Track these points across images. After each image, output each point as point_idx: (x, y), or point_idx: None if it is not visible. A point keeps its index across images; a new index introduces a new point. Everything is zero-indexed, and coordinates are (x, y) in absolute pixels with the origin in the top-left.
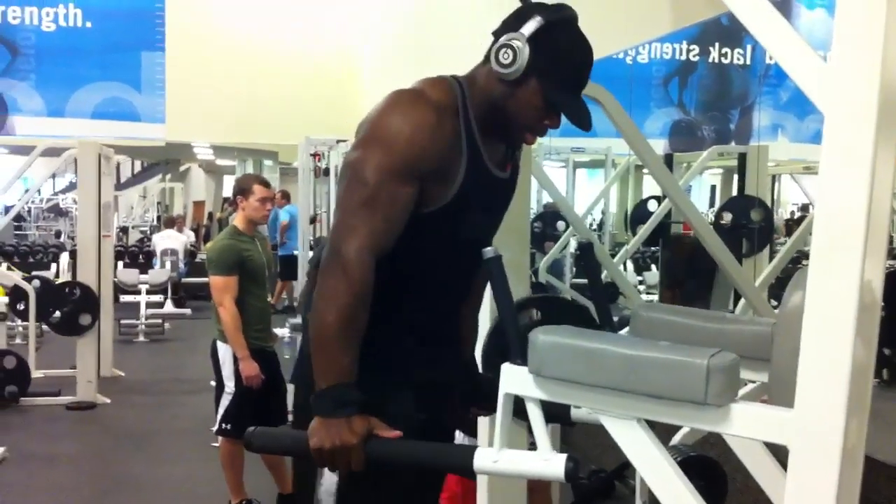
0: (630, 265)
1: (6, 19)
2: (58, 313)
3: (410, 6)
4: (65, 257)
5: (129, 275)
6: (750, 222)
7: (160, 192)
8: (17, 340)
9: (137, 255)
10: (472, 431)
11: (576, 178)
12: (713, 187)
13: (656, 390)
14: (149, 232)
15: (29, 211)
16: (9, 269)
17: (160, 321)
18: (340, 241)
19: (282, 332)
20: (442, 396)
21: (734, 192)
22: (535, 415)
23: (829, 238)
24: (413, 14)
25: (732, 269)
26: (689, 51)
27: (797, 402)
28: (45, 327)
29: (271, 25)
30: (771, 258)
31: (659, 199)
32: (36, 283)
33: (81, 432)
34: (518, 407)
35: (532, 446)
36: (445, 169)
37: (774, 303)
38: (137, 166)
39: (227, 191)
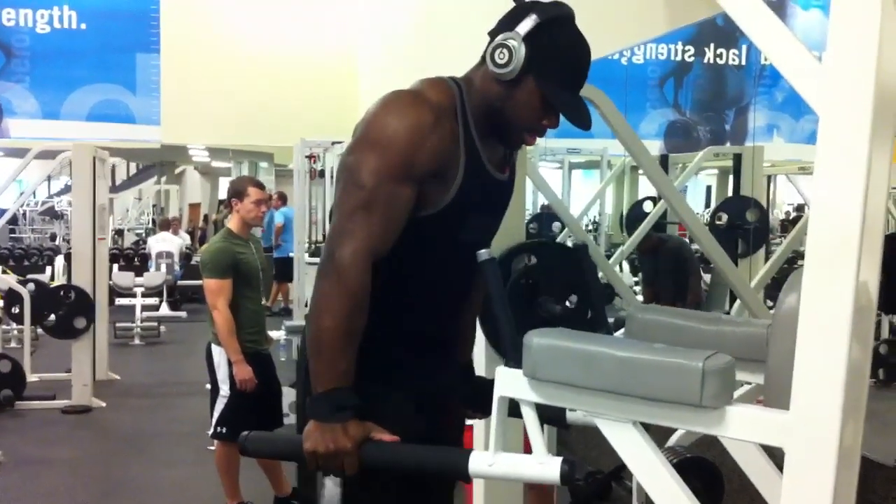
0: (626, 266)
1: (0, 21)
2: (53, 317)
3: (408, 7)
4: (60, 260)
5: (124, 278)
6: (745, 223)
7: (155, 195)
8: (13, 344)
9: (133, 258)
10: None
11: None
12: (709, 188)
13: (651, 393)
14: (144, 234)
15: (24, 214)
16: (3, 272)
17: (156, 324)
18: (336, 245)
19: (277, 334)
20: (443, 401)
21: (730, 193)
22: (530, 418)
23: (825, 239)
24: (411, 15)
25: (728, 269)
26: (684, 51)
27: (793, 404)
28: (40, 331)
29: (267, 27)
30: (767, 259)
31: (654, 200)
32: (31, 286)
33: (77, 436)
34: (514, 407)
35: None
36: (443, 170)
37: (770, 303)
38: (133, 168)
39: (223, 193)
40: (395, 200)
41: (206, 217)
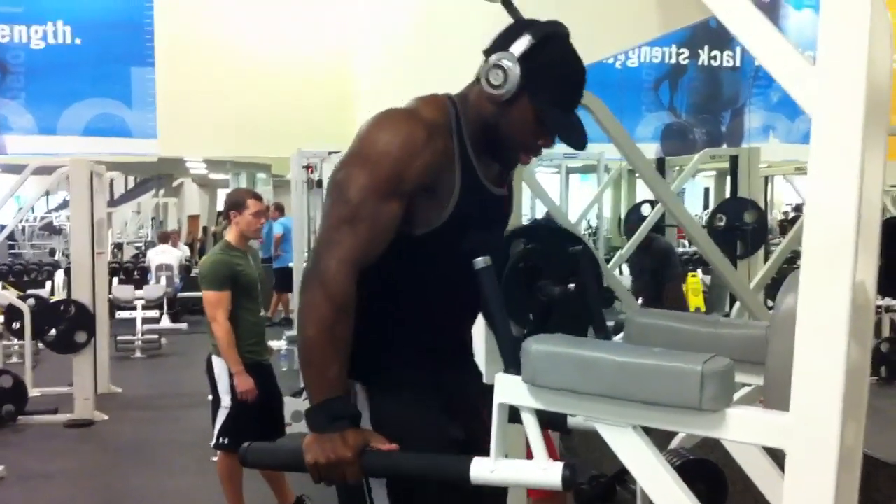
0: (626, 269)
1: None
2: (53, 331)
3: (406, 17)
4: (59, 275)
5: (124, 291)
6: (743, 224)
7: (154, 208)
8: (14, 359)
9: (132, 271)
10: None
11: (569, 183)
12: (706, 190)
13: (651, 397)
14: (143, 247)
15: (23, 229)
16: (3, 288)
17: (156, 336)
18: (319, 256)
19: (278, 344)
20: (468, 407)
21: (727, 195)
22: (531, 424)
23: (820, 238)
24: (408, 24)
25: (727, 271)
26: (678, 54)
27: (792, 406)
28: (41, 346)
29: (262, 38)
30: (766, 260)
31: (653, 204)
32: (31, 301)
33: (79, 449)
34: (515, 412)
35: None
36: (436, 186)
37: (770, 304)
38: (131, 182)
39: (222, 204)
40: (380, 215)
41: (205, 229)
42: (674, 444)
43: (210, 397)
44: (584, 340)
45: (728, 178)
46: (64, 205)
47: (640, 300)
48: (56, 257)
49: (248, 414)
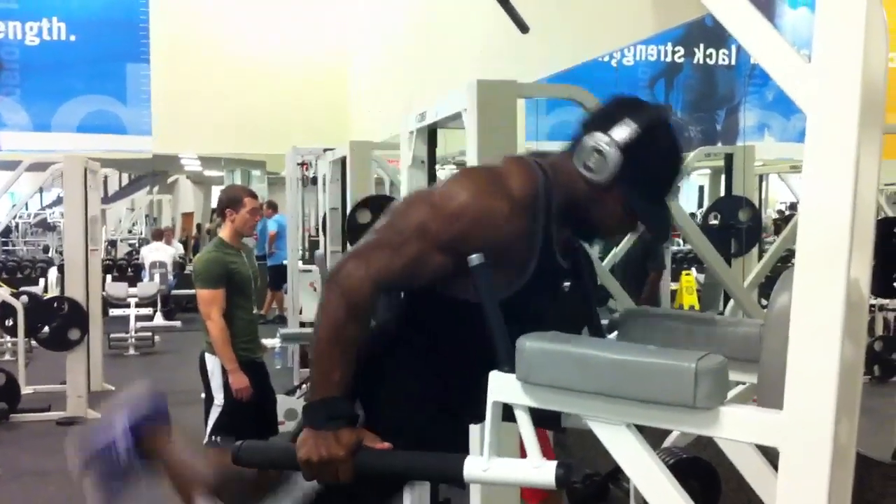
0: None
1: None
2: (46, 328)
3: (405, 18)
4: (53, 272)
5: (117, 288)
6: (738, 222)
7: (148, 205)
8: (6, 357)
9: (126, 269)
10: None
11: None
12: (701, 188)
13: (645, 395)
14: (137, 245)
15: (16, 226)
16: None
17: (150, 334)
18: (347, 263)
19: (272, 342)
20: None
21: (722, 193)
22: (525, 422)
23: (815, 237)
24: (408, 25)
25: (721, 269)
26: (674, 52)
27: (786, 404)
28: (33, 343)
29: (257, 36)
30: (760, 258)
31: None
32: (24, 298)
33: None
34: (509, 410)
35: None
36: (506, 263)
37: (764, 302)
38: (125, 179)
39: (216, 202)
40: (424, 260)
41: (199, 226)
42: (667, 442)
43: (203, 395)
44: (578, 338)
45: (723, 177)
46: (58, 201)
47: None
48: (50, 254)
49: (241, 412)
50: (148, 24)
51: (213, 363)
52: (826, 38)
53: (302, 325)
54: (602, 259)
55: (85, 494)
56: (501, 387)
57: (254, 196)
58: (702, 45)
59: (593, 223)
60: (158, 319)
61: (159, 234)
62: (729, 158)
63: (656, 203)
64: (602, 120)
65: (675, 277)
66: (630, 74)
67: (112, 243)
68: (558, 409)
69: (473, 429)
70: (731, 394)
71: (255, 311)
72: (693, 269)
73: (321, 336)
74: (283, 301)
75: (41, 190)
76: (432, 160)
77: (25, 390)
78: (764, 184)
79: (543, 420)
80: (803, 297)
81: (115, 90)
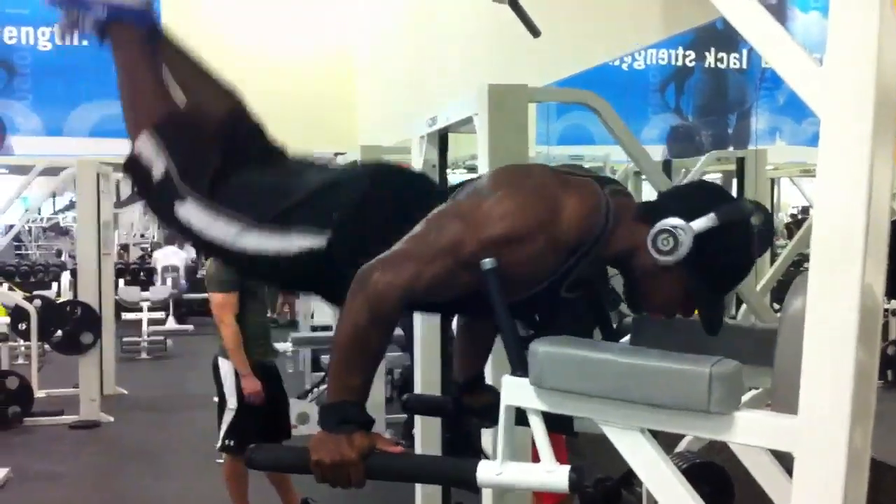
0: None
1: (2, 39)
2: (59, 332)
3: (409, 20)
4: (66, 276)
5: (130, 292)
6: None
7: None
8: (20, 361)
9: (138, 273)
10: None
11: None
12: None
13: (659, 399)
14: (149, 249)
15: (29, 230)
16: (10, 289)
17: (162, 338)
18: (374, 270)
19: (283, 346)
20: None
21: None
22: (538, 426)
23: (829, 242)
24: (411, 28)
25: None
26: (684, 56)
27: (800, 409)
28: (47, 347)
29: (269, 39)
30: (772, 262)
31: None
32: (37, 302)
33: (85, 451)
34: (521, 415)
35: None
36: (511, 282)
37: (776, 307)
38: None
39: None
40: (451, 277)
41: None
42: (681, 446)
43: (216, 399)
44: (591, 342)
45: (734, 181)
46: (70, 206)
47: None
48: (62, 258)
49: (253, 416)
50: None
51: (226, 367)
52: (839, 40)
53: (313, 329)
54: None
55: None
56: (514, 391)
57: None
58: (713, 49)
59: (643, 294)
60: (171, 323)
61: (172, 239)
62: (740, 162)
63: (718, 295)
64: (683, 203)
65: None
66: (640, 78)
67: (124, 247)
68: (571, 414)
69: (486, 433)
70: (744, 399)
71: (268, 314)
72: None
73: (341, 340)
74: (294, 305)
75: (54, 194)
76: (444, 164)
77: (38, 394)
78: (776, 188)
79: (556, 424)
80: (817, 302)
81: None
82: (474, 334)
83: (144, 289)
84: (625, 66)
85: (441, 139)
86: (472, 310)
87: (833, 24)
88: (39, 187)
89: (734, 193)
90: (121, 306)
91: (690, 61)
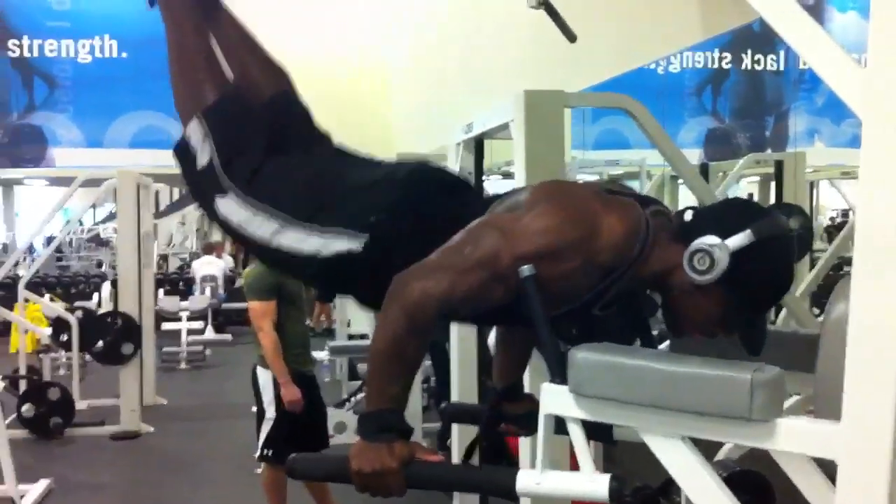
0: None
1: (43, 53)
2: (100, 343)
3: (444, 27)
4: (106, 287)
5: (169, 302)
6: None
7: (199, 219)
8: (61, 371)
9: (178, 283)
10: None
11: None
12: (750, 195)
13: (699, 407)
14: (188, 259)
15: (70, 242)
16: (51, 300)
17: (201, 348)
18: (411, 279)
19: (321, 355)
20: None
21: (772, 200)
22: (577, 434)
23: (872, 246)
24: (446, 35)
25: None
26: (721, 58)
27: (843, 415)
28: (88, 358)
29: (303, 48)
30: (812, 266)
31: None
32: (78, 313)
33: (126, 461)
34: (560, 423)
35: None
36: (550, 300)
37: (817, 311)
38: (176, 194)
39: None
40: (486, 289)
41: None
42: (720, 454)
43: (255, 409)
44: (630, 349)
45: (773, 184)
46: (111, 217)
47: None
48: (103, 269)
49: (292, 425)
50: None
51: (264, 377)
52: (881, 40)
53: (350, 337)
54: None
55: None
56: (554, 399)
57: None
58: (749, 51)
59: (681, 315)
60: (209, 333)
61: (210, 248)
62: (779, 165)
63: (756, 314)
64: (718, 220)
65: None
66: (677, 81)
67: (164, 258)
68: (612, 422)
69: (524, 441)
70: (785, 405)
71: (306, 322)
72: None
73: (379, 349)
74: (331, 314)
75: (94, 206)
76: (479, 171)
77: (80, 405)
78: (815, 190)
79: (595, 432)
80: (860, 307)
81: (166, 106)
82: (512, 342)
83: (183, 299)
84: (660, 70)
85: (477, 145)
86: (509, 320)
87: (874, 25)
88: (80, 199)
89: (772, 196)
90: (160, 317)
91: (727, 63)
